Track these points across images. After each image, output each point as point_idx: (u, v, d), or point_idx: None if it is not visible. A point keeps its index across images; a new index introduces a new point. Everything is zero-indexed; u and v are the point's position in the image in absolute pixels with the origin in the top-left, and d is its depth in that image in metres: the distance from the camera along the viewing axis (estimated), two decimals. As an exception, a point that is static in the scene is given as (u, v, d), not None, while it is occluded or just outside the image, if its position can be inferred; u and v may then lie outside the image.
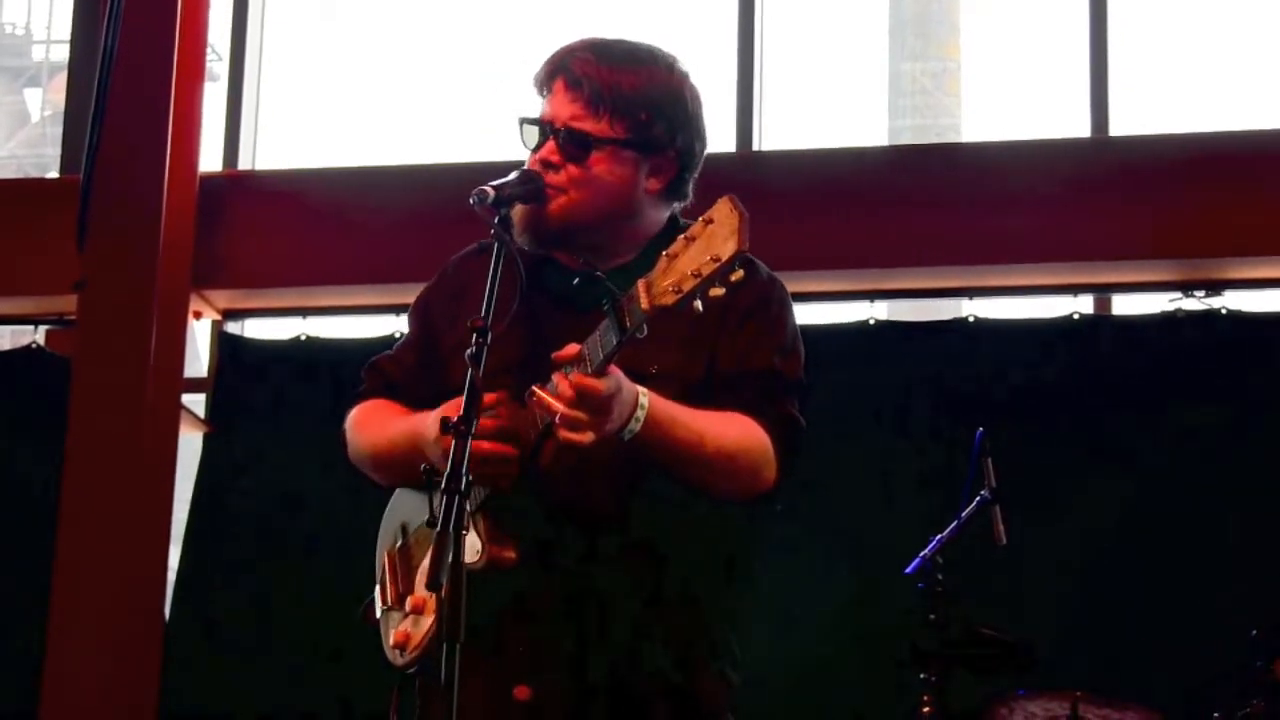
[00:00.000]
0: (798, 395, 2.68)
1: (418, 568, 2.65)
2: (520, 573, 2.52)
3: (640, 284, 2.26)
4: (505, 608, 2.56)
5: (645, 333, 2.27)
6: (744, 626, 2.74)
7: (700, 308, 2.23)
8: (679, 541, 2.64)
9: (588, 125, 2.62)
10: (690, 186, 2.74)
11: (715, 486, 2.58)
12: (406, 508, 2.76)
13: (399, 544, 2.75)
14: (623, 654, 2.59)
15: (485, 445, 2.40)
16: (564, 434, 2.34)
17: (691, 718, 2.62)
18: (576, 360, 2.35)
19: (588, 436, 2.34)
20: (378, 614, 2.76)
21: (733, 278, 2.19)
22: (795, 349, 2.71)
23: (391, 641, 2.65)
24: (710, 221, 2.21)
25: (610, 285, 2.32)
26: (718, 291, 2.20)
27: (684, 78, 2.70)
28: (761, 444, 2.57)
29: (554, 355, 2.37)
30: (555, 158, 2.62)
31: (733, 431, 2.55)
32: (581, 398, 2.32)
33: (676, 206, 2.74)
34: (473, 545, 2.48)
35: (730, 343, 2.63)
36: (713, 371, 2.61)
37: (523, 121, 2.68)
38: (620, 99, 2.62)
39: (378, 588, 2.78)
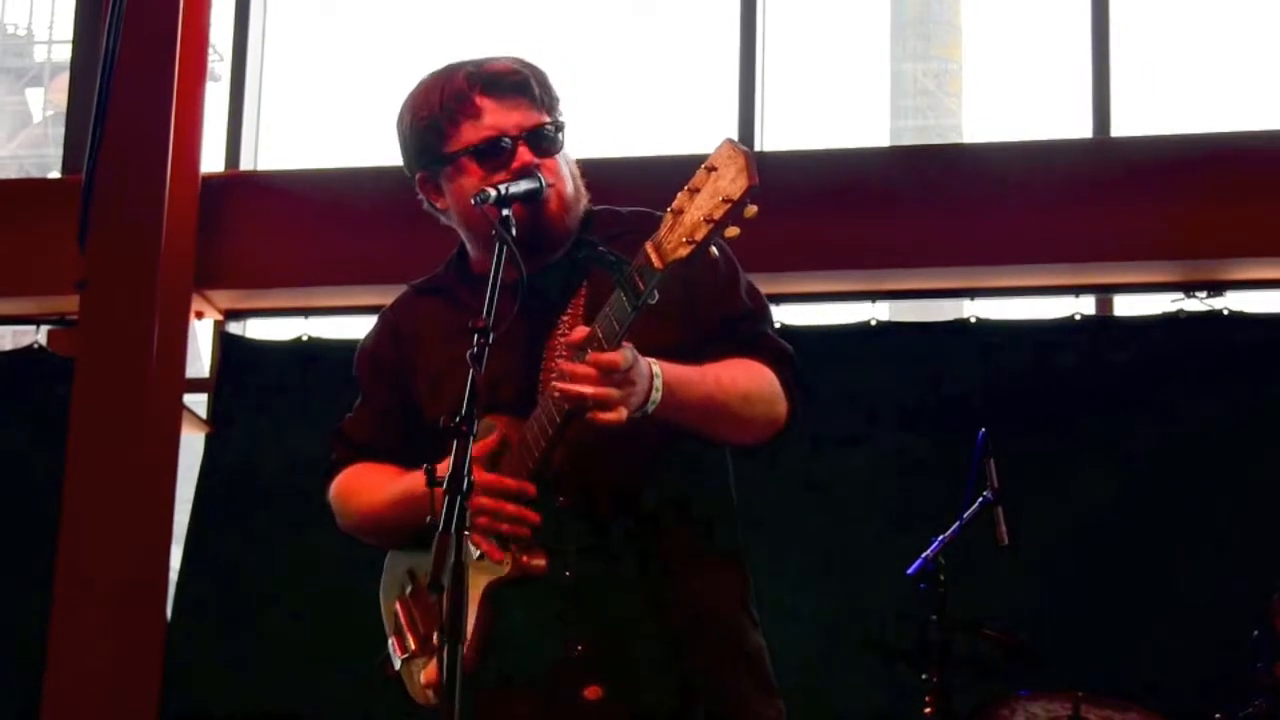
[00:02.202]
0: (772, 326, 2.72)
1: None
2: (557, 577, 2.52)
3: (648, 246, 2.27)
4: (553, 614, 2.55)
5: (656, 298, 2.27)
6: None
7: (716, 252, 2.25)
8: (696, 514, 2.67)
9: (545, 118, 2.65)
10: None
11: (735, 432, 2.61)
12: (408, 558, 2.75)
13: (409, 590, 2.74)
14: (678, 628, 2.60)
15: (486, 501, 2.40)
16: (599, 416, 2.33)
17: (755, 670, 2.68)
18: (589, 340, 2.34)
19: (621, 414, 2.34)
20: (397, 665, 2.73)
21: (746, 214, 2.19)
22: (753, 286, 2.75)
23: (423, 682, 2.63)
24: (713, 168, 2.21)
25: (616, 256, 2.33)
26: (733, 231, 2.21)
27: None
28: (769, 380, 2.61)
29: (565, 341, 2.37)
30: (534, 158, 2.61)
31: (742, 375, 2.58)
32: (605, 374, 2.32)
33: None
34: (500, 556, 2.49)
35: (702, 301, 2.64)
36: (692, 330, 2.62)
37: (481, 145, 2.62)
38: (549, 90, 2.68)
39: (392, 639, 2.76)
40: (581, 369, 2.32)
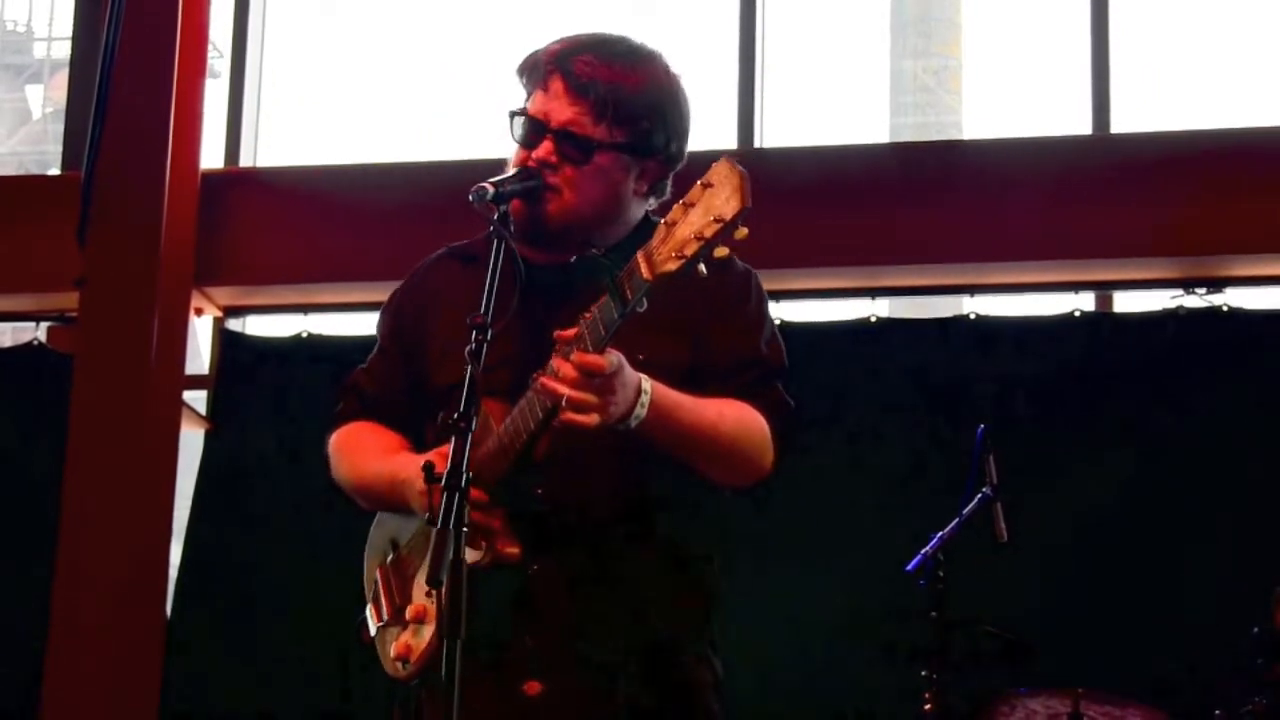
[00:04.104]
0: (784, 381, 2.70)
1: (414, 578, 2.63)
2: (523, 568, 2.52)
3: (639, 254, 2.26)
4: (509, 604, 2.56)
5: (645, 306, 2.27)
6: (725, 617, 2.75)
7: (705, 271, 2.23)
8: (671, 532, 2.65)
9: (590, 130, 2.61)
10: (669, 183, 2.75)
11: (717, 472, 2.60)
12: (394, 524, 2.75)
13: (390, 558, 2.74)
14: (623, 644, 2.59)
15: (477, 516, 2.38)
16: (569, 416, 2.33)
17: (688, 705, 2.63)
18: (575, 340, 2.34)
19: (593, 418, 2.33)
20: (372, 632, 2.74)
21: (737, 236, 2.18)
22: (776, 337, 2.74)
23: (393, 654, 2.63)
24: (709, 185, 2.20)
25: (607, 261, 2.33)
26: (722, 252, 2.20)
27: (678, 79, 2.71)
28: (761, 429, 2.60)
29: (555, 335, 2.37)
30: (554, 159, 2.61)
31: (734, 417, 2.57)
32: (585, 376, 2.31)
33: (652, 202, 2.75)
34: (475, 542, 2.47)
35: (717, 334, 2.65)
36: (701, 361, 2.62)
37: (514, 115, 2.67)
38: (625, 106, 2.62)
39: (370, 606, 2.76)
40: (566, 367, 2.32)
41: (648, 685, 2.59)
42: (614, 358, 2.33)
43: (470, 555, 2.46)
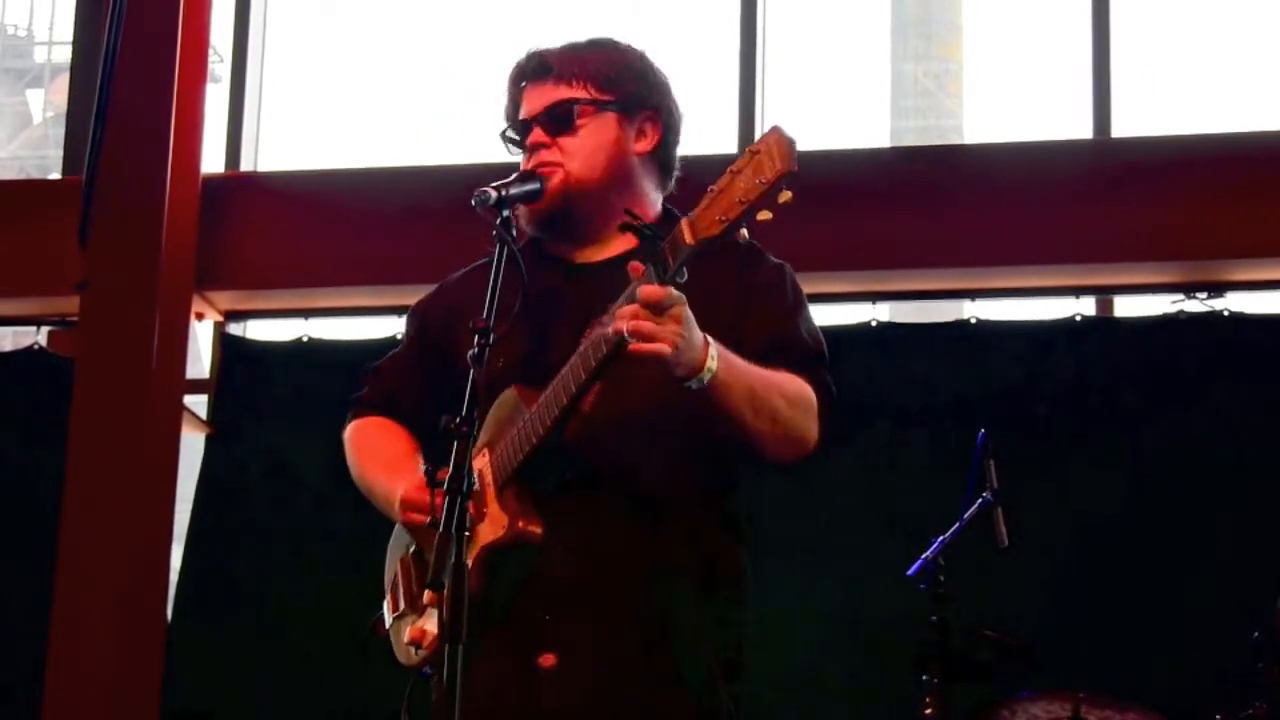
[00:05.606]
0: (826, 368, 2.70)
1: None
2: (545, 549, 2.53)
3: (683, 221, 2.27)
4: (528, 579, 2.56)
5: (685, 276, 2.27)
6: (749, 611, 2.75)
7: (746, 235, 2.26)
8: (701, 517, 2.65)
9: (564, 95, 2.67)
10: (676, 155, 2.77)
11: (771, 439, 2.56)
12: None
13: (411, 550, 2.75)
14: (642, 623, 2.59)
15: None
16: (638, 346, 2.29)
17: (700, 687, 2.62)
18: (623, 299, 2.33)
19: (662, 347, 2.29)
20: (388, 624, 2.75)
21: (780, 199, 2.20)
22: (815, 328, 2.75)
23: (406, 639, 2.65)
24: (756, 152, 2.24)
25: (652, 230, 2.33)
26: (765, 215, 2.22)
27: (641, 50, 2.77)
28: (811, 398, 2.60)
29: (607, 307, 2.35)
30: (545, 138, 2.66)
31: (787, 382, 2.57)
32: (645, 307, 2.28)
33: (669, 185, 2.77)
34: (498, 519, 2.50)
35: (754, 320, 2.65)
36: (741, 350, 2.60)
37: (506, 137, 2.74)
38: (590, 66, 2.69)
39: (387, 598, 2.78)
40: (625, 307, 2.31)
41: (664, 665, 2.58)
42: (675, 292, 2.30)
43: (490, 534, 2.47)
